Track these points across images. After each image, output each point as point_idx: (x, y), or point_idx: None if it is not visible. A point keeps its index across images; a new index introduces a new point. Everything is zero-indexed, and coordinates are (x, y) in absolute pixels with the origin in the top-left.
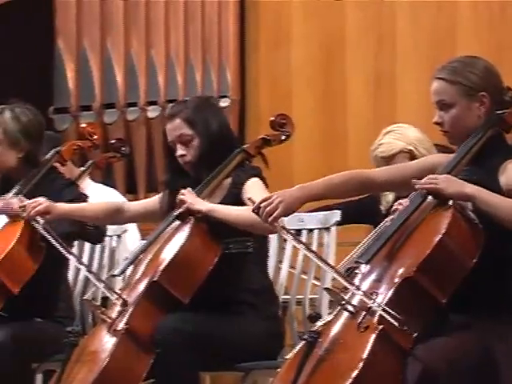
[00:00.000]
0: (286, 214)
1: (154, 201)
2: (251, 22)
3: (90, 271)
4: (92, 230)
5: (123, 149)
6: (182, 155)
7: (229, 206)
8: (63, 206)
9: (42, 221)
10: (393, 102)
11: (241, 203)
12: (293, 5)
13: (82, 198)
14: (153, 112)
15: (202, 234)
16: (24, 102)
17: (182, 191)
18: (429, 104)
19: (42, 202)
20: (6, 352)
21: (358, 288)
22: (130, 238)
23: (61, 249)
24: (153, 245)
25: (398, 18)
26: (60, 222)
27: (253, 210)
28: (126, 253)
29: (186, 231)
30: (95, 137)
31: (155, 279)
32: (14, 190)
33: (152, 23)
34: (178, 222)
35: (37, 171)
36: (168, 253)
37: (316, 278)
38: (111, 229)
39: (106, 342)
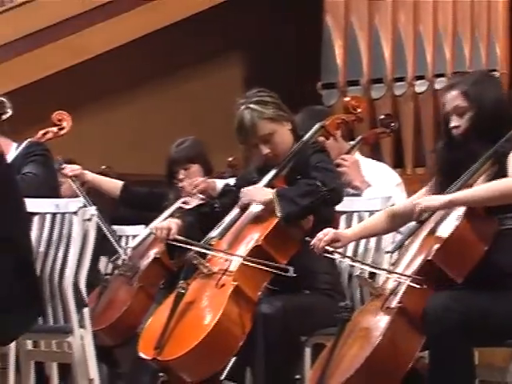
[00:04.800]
0: None
1: (423, 193)
2: None
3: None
4: (327, 195)
5: (392, 124)
6: (456, 126)
7: (472, 189)
8: (352, 231)
9: None
10: None
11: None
12: None
13: (329, 162)
14: (420, 87)
15: (477, 212)
16: (295, 77)
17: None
18: None
19: (327, 232)
20: (276, 325)
21: None
22: None
23: None
24: (427, 222)
25: None
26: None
27: None
28: None
29: (460, 209)
30: (359, 110)
31: (430, 258)
32: (274, 170)
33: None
34: None
35: (302, 145)
36: (443, 232)
37: None
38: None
39: (379, 319)
